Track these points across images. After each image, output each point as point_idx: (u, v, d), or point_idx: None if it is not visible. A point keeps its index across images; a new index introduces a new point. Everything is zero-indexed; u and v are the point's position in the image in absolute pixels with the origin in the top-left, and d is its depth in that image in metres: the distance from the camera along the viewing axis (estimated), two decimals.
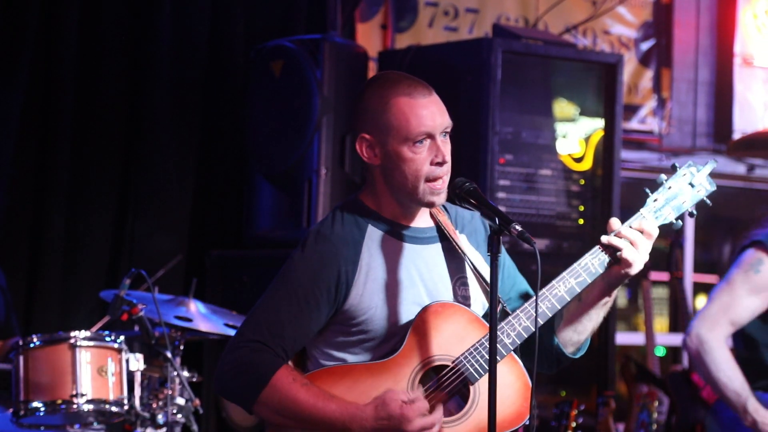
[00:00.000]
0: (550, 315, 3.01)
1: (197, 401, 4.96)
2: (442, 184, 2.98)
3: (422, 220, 3.08)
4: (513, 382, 2.97)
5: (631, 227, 2.99)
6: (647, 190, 3.02)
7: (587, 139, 6.16)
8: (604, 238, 3.00)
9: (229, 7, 6.32)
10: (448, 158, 2.98)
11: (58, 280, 5.83)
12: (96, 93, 5.96)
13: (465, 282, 3.07)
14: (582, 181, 6.12)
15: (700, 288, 8.53)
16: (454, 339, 2.96)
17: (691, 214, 3.06)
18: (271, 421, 2.97)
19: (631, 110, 7.70)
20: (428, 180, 2.96)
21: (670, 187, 3.04)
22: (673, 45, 7.87)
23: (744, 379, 4.33)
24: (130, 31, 6.05)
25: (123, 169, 6.05)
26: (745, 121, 7.95)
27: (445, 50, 6.19)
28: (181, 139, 6.18)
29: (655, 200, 3.03)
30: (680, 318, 7.15)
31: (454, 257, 3.08)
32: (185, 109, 6.20)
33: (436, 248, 3.07)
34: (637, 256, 2.96)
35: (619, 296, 7.91)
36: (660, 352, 7.54)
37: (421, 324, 2.95)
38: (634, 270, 2.98)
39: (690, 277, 8.02)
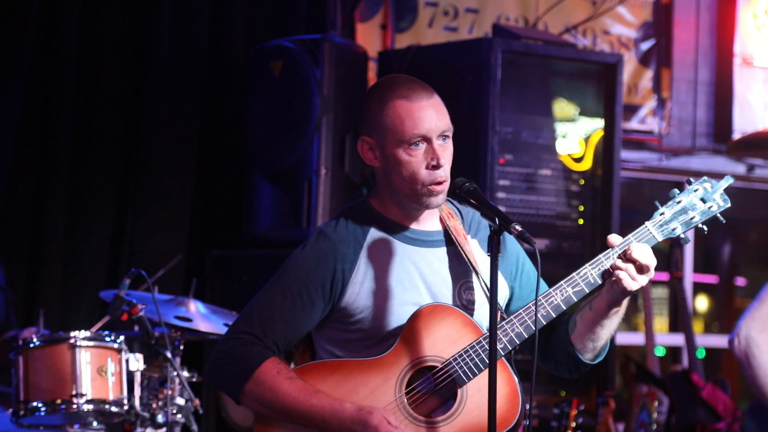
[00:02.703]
0: (545, 323, 3.00)
1: (197, 401, 4.96)
2: (441, 187, 2.99)
3: (429, 222, 3.09)
4: (501, 387, 2.95)
5: (627, 255, 2.94)
6: (657, 203, 3.01)
7: (587, 139, 6.16)
8: (605, 263, 2.99)
9: (229, 7, 6.32)
10: (444, 161, 2.98)
11: (58, 280, 5.83)
12: (96, 93, 5.96)
13: (470, 287, 3.07)
14: (582, 181, 6.12)
15: (700, 288, 8.53)
16: (446, 341, 2.97)
17: (701, 230, 3.02)
18: (257, 412, 3.01)
19: (631, 110, 7.70)
20: (425, 184, 2.97)
21: (679, 202, 3.01)
22: (672, 45, 7.86)
23: None
24: (130, 31, 6.05)
25: (123, 169, 6.05)
26: (745, 121, 7.95)
27: (445, 50, 6.19)
28: (181, 139, 6.18)
29: (662, 213, 3.00)
30: (680, 318, 7.14)
31: (459, 262, 3.08)
32: (185, 109, 6.20)
33: (441, 252, 3.07)
34: (633, 284, 2.95)
35: None
36: (660, 352, 7.55)
37: (414, 324, 2.96)
38: (632, 291, 2.96)
39: (690, 277, 8.01)
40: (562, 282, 3.01)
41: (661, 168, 7.84)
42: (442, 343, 2.97)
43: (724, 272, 8.67)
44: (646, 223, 3.00)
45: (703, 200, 3.01)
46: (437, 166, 2.97)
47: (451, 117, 3.05)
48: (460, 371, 2.95)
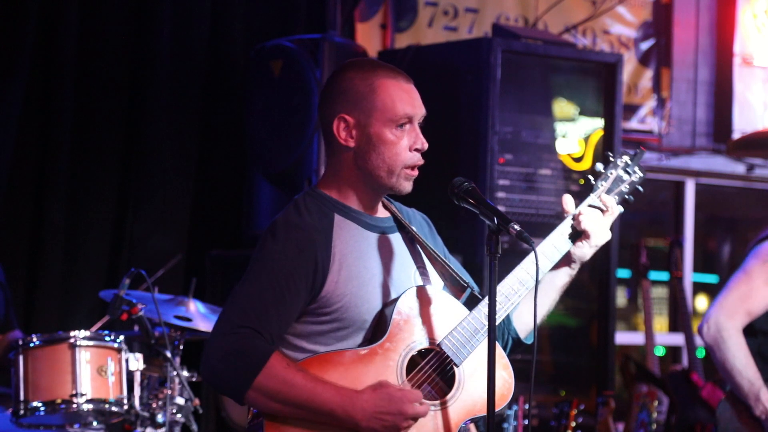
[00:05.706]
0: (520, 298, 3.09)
1: (197, 401, 4.97)
2: (416, 172, 3.03)
3: (381, 210, 3.11)
4: (498, 366, 2.99)
5: (589, 205, 3.15)
6: (590, 178, 3.20)
7: (587, 139, 6.17)
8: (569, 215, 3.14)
9: (229, 7, 6.32)
10: (426, 146, 3.02)
11: (58, 280, 5.83)
12: (96, 93, 5.96)
13: (425, 271, 3.12)
14: (582, 181, 6.13)
15: (700, 288, 8.53)
16: (436, 323, 3.01)
17: (627, 201, 3.22)
18: (266, 409, 2.90)
19: (631, 110, 7.70)
20: (405, 165, 3.00)
21: (611, 174, 3.21)
22: (672, 45, 7.87)
23: (757, 369, 4.37)
24: (130, 31, 6.05)
25: (123, 169, 6.06)
26: (745, 121, 7.95)
27: (444, 50, 6.19)
28: (181, 139, 6.19)
29: (602, 185, 3.19)
30: (680, 318, 7.15)
31: (412, 246, 3.12)
32: (185, 109, 6.20)
33: (397, 237, 3.10)
34: (596, 226, 3.11)
35: (619, 296, 7.90)
36: (659, 351, 7.55)
37: (403, 308, 2.98)
38: (596, 240, 3.11)
39: (689, 276, 8.02)
40: (528, 257, 3.10)
41: (661, 168, 7.85)
42: (433, 325, 3.00)
43: (723, 272, 8.67)
44: (593, 193, 3.18)
45: (627, 172, 3.23)
46: (420, 149, 3.00)
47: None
48: (454, 351, 2.98)
